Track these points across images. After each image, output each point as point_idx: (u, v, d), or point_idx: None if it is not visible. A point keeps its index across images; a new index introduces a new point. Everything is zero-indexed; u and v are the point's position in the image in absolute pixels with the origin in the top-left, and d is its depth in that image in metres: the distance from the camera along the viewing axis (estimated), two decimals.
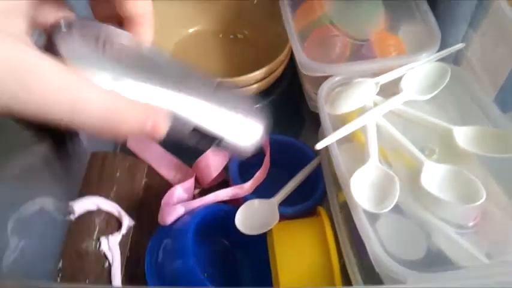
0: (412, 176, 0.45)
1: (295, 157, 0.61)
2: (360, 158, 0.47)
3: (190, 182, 0.58)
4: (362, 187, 0.44)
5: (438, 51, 0.55)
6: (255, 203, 0.55)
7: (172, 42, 0.71)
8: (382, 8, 0.59)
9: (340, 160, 0.47)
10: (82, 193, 0.56)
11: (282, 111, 0.68)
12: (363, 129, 0.49)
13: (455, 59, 0.59)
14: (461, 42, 0.57)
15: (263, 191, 0.57)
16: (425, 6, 0.58)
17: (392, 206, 0.42)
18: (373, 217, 0.43)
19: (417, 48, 0.55)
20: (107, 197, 0.56)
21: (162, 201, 0.54)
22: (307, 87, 0.58)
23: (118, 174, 0.59)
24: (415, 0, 0.60)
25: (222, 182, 0.63)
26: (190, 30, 0.73)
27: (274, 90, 0.65)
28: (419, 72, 0.53)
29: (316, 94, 0.53)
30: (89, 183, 0.57)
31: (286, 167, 0.60)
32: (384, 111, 0.50)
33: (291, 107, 0.71)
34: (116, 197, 0.57)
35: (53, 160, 0.41)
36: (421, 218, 0.44)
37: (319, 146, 0.47)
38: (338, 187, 0.47)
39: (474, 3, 0.58)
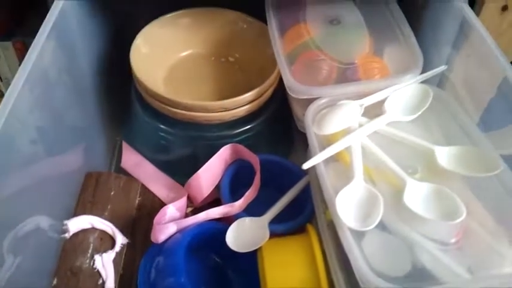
0: (396, 194, 0.46)
1: (285, 176, 0.62)
2: (345, 177, 0.48)
3: (182, 201, 0.59)
4: (347, 205, 0.45)
5: (421, 73, 0.56)
6: (246, 220, 0.56)
7: (165, 66, 0.72)
8: (367, 32, 0.61)
9: (326, 179, 0.48)
10: (77, 212, 0.57)
11: (272, 132, 0.70)
12: (349, 149, 0.50)
13: (439, 82, 0.61)
14: (445, 64, 0.58)
15: (254, 209, 0.58)
16: (408, 30, 0.60)
17: (376, 223, 0.43)
18: (358, 234, 0.44)
19: (401, 70, 0.56)
20: (101, 215, 0.57)
21: (154, 220, 0.54)
22: (295, 108, 0.59)
23: (112, 193, 0.60)
24: (398, 24, 0.62)
25: (214, 200, 0.64)
26: (183, 54, 0.75)
27: (265, 111, 0.66)
28: (402, 94, 0.55)
29: (303, 115, 0.54)
30: (83, 203, 0.59)
31: (276, 185, 0.61)
32: (368, 131, 0.52)
33: (281, 127, 0.72)
34: (110, 216, 0.58)
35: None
36: (405, 235, 0.45)
37: (306, 165, 0.48)
38: (325, 205, 0.48)
39: (456, 28, 0.60)
